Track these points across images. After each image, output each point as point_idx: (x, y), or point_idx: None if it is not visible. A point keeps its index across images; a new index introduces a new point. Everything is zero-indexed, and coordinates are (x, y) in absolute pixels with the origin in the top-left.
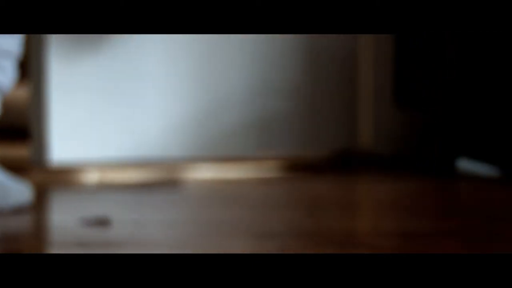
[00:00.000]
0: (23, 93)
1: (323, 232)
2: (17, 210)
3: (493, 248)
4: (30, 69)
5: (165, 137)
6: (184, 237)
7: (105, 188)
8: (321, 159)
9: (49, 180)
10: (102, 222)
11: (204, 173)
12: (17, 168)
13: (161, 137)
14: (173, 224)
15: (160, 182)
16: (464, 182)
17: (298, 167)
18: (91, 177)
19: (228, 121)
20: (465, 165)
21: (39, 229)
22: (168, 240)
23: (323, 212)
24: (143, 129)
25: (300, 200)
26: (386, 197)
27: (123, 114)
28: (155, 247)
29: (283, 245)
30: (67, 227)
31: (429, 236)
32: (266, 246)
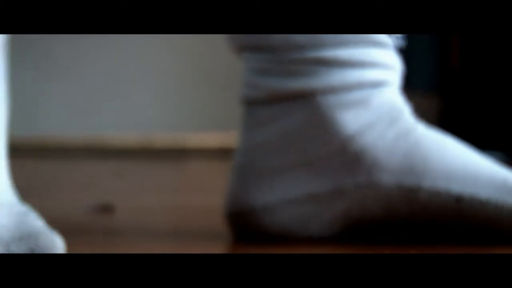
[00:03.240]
0: None
1: None
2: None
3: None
4: None
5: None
6: (188, 223)
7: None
8: None
9: None
10: (106, 208)
11: (209, 142)
12: None
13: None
14: (177, 209)
15: (164, 154)
16: None
17: None
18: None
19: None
20: None
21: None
22: (171, 225)
23: None
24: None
25: None
26: None
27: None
28: (159, 232)
29: None
30: (70, 213)
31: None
32: None
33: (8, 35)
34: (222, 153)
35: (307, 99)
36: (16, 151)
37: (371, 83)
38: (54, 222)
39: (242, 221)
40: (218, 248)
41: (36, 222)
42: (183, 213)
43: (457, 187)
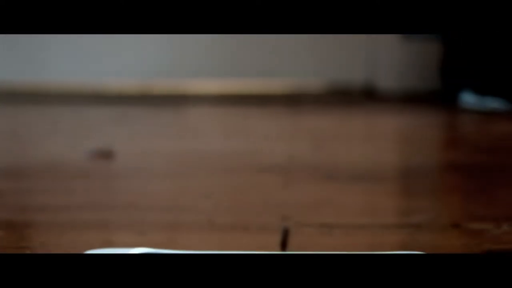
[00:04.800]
0: None
1: (327, 165)
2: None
3: (497, 181)
4: None
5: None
6: (187, 169)
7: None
8: (325, 91)
9: None
10: (106, 154)
11: (209, 88)
12: None
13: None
14: (176, 153)
15: (164, 100)
16: (468, 115)
17: (301, 100)
18: None
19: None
20: (469, 98)
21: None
22: (171, 172)
23: (328, 145)
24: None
25: (303, 133)
26: (389, 130)
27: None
28: (158, 179)
29: (287, 178)
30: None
31: (432, 169)
32: (270, 179)
33: None
34: (222, 100)
35: None
36: (17, 96)
37: None
38: (54, 166)
39: None
40: (217, 195)
41: None
42: (182, 159)
43: None
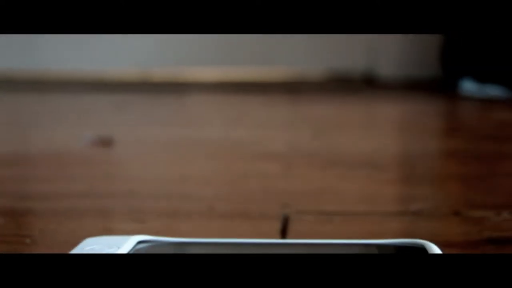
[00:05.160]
0: None
1: (328, 152)
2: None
3: (498, 169)
4: None
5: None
6: (187, 157)
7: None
8: (325, 79)
9: None
10: (106, 141)
11: (209, 76)
12: None
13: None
14: (176, 141)
15: (164, 88)
16: (468, 103)
17: (301, 87)
18: None
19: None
20: (470, 86)
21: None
22: (171, 159)
23: (328, 132)
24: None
25: (303, 121)
26: (389, 118)
27: None
28: (157, 167)
29: (288, 165)
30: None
31: (432, 156)
32: (270, 167)
33: None
34: (222, 87)
35: None
36: (17, 84)
37: None
38: (54, 154)
39: None
40: (217, 183)
41: None
42: (182, 146)
43: None
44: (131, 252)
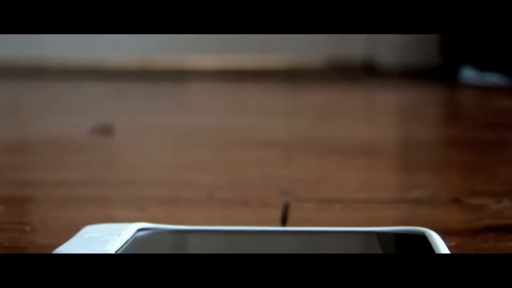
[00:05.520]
0: None
1: (328, 140)
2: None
3: (497, 156)
4: None
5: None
6: (187, 144)
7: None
8: (325, 67)
9: None
10: (106, 129)
11: (208, 64)
12: None
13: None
14: (176, 129)
15: (163, 75)
16: (468, 90)
17: (301, 75)
18: None
19: None
20: (470, 73)
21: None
22: (170, 147)
23: (327, 120)
24: None
25: (303, 109)
26: (389, 105)
27: None
28: (157, 154)
29: (288, 152)
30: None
31: (432, 144)
32: (270, 154)
33: None
34: (221, 75)
35: None
36: (17, 71)
37: None
38: (54, 142)
39: None
40: (217, 170)
41: None
42: (182, 134)
43: None
44: (130, 240)
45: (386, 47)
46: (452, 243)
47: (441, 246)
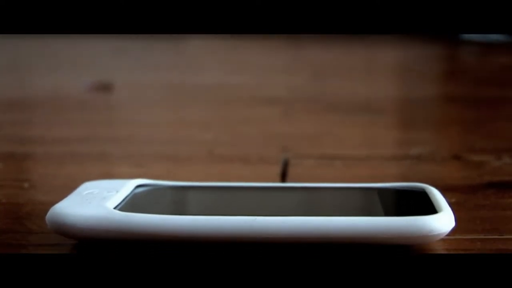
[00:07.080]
0: None
1: (328, 97)
2: None
3: (497, 113)
4: None
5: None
6: (186, 102)
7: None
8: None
9: None
10: (105, 86)
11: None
12: None
13: None
14: (176, 86)
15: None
16: (468, 47)
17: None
18: None
19: None
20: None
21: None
22: (170, 105)
23: (328, 77)
24: None
25: (303, 66)
26: (390, 62)
27: None
28: (157, 112)
29: (287, 109)
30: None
31: (432, 101)
32: (269, 111)
33: None
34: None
35: None
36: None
37: None
38: (53, 99)
39: None
40: (216, 128)
41: None
42: (181, 91)
43: None
44: (129, 196)
45: None
46: (453, 200)
47: (442, 202)
